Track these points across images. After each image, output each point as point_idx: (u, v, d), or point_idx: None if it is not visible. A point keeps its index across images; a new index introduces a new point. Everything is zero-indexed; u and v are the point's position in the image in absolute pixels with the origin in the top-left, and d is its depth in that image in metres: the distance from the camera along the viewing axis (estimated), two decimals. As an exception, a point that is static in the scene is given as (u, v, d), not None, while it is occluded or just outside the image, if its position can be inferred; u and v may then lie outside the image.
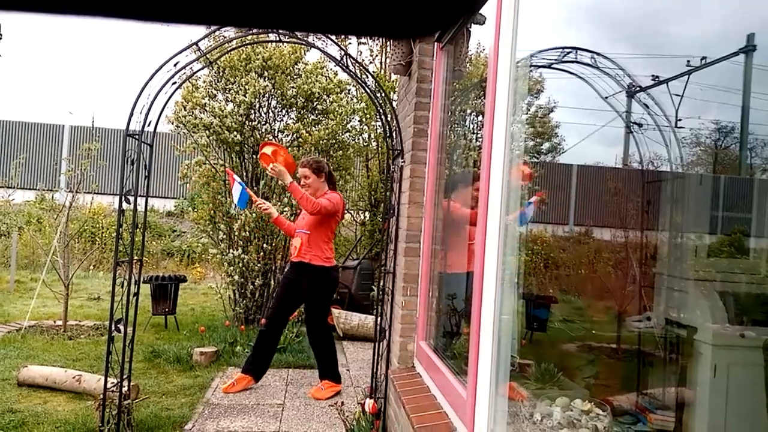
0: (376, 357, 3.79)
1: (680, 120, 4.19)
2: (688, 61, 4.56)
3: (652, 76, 4.37)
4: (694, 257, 3.59)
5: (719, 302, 2.92)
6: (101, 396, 3.29)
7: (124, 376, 3.39)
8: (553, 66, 3.90)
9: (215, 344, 5.58)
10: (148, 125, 3.33)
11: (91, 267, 10.98)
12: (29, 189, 13.25)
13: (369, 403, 3.50)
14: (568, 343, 4.88)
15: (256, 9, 0.31)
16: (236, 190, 4.27)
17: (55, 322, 6.40)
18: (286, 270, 4.59)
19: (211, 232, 6.55)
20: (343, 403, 3.79)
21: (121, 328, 3.30)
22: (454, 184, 3.77)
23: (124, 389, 3.38)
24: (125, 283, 3.29)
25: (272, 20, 0.33)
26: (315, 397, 4.37)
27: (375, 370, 3.79)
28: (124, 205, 3.29)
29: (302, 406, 4.22)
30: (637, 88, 3.99)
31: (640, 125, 4.06)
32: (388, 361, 3.68)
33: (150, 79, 3.31)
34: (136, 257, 3.42)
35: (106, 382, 3.30)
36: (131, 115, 3.28)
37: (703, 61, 4.41)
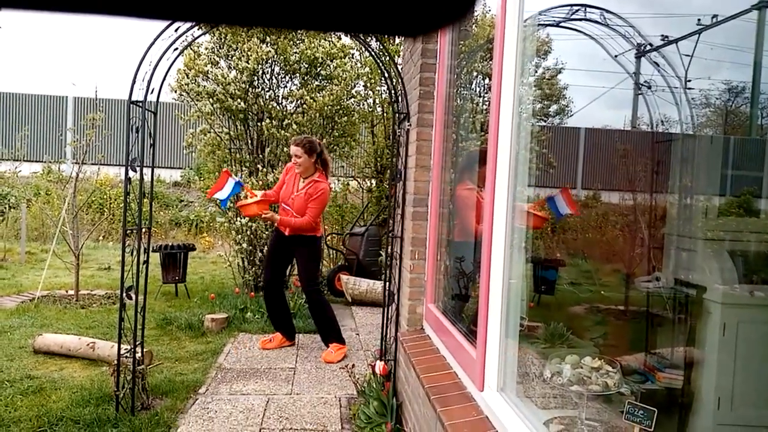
0: (385, 320, 3.83)
1: (689, 81, 4.10)
2: (699, 20, 4.44)
3: (662, 35, 4.26)
4: (703, 218, 3.56)
5: (729, 262, 2.90)
6: (115, 362, 3.34)
7: (137, 342, 3.44)
8: (561, 24, 3.81)
9: (226, 311, 5.65)
10: (151, 93, 3.30)
11: (101, 238, 11.07)
12: (35, 161, 13.28)
13: (379, 365, 3.54)
14: (576, 306, 4.90)
15: (250, 5, 0.29)
16: (229, 185, 4.27)
17: (67, 291, 6.48)
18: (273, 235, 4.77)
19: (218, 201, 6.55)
20: (354, 365, 3.84)
21: (132, 295, 3.34)
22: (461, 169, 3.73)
23: (138, 355, 3.43)
24: (134, 252, 3.31)
25: (267, 18, 0.30)
26: (327, 361, 4.44)
27: (384, 332, 3.83)
28: (131, 174, 3.29)
29: (313, 369, 4.29)
30: (647, 47, 3.89)
31: (649, 86, 3.98)
32: (397, 324, 3.71)
33: (151, 45, 3.27)
34: (144, 227, 3.43)
35: (119, 348, 3.36)
36: (134, 82, 3.25)
37: (714, 20, 4.29)
